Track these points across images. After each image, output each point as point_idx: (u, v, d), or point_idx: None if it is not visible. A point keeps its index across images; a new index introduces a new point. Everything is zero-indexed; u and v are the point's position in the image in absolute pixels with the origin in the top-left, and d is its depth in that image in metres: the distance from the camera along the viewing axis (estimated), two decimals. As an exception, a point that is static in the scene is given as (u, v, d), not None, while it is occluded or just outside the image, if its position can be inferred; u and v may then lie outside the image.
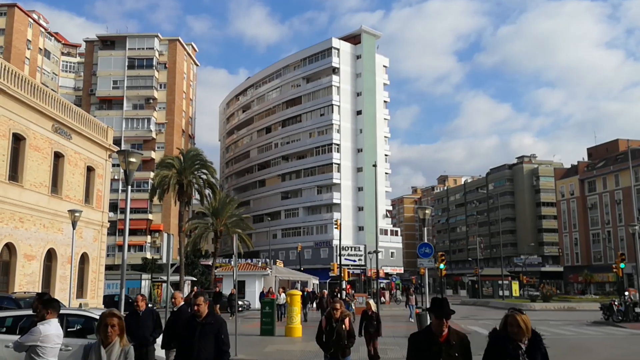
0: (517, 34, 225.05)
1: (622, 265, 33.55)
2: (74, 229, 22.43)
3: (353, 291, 62.97)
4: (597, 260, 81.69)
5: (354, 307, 29.63)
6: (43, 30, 76.99)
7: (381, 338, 14.45)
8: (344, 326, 8.77)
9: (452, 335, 4.93)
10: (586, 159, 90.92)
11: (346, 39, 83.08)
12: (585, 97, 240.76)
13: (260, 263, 53.81)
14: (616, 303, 29.90)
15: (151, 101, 76.34)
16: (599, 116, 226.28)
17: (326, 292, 35.80)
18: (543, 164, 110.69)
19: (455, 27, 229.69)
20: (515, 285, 65.05)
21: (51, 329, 6.50)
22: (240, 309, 36.60)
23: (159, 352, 9.74)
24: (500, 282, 61.49)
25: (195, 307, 6.49)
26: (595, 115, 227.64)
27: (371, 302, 13.94)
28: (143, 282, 44.01)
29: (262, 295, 35.16)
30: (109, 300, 32.06)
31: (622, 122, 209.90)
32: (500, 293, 58.79)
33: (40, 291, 23.77)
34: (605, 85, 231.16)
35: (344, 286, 44.60)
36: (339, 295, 38.09)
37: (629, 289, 39.05)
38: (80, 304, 26.61)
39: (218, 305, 30.83)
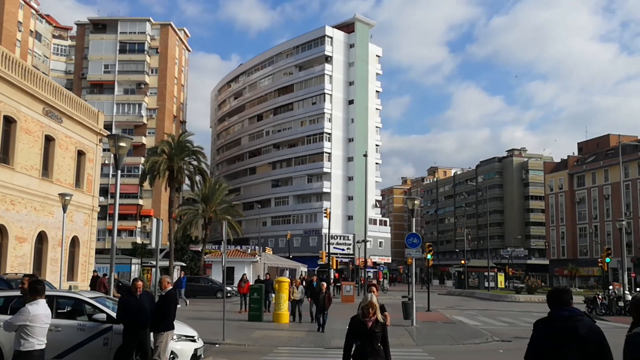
0: (510, 25, 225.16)
1: (607, 259, 33.91)
2: (64, 212, 22.57)
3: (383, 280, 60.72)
4: (583, 254, 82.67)
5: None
6: (34, 12, 76.04)
7: None
8: None
9: None
10: (576, 154, 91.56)
11: (339, 27, 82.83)
12: (577, 91, 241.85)
13: (249, 250, 54.07)
14: (600, 296, 30.28)
15: (142, 86, 75.98)
16: (591, 110, 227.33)
17: (324, 283, 20.55)
18: (533, 157, 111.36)
19: (448, 17, 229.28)
20: (501, 277, 65.90)
21: (40, 309, 6.67)
22: (228, 294, 36.84)
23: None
24: (486, 273, 62.26)
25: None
26: (587, 110, 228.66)
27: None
28: (133, 267, 44.07)
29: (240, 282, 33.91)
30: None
31: (614, 117, 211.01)
32: (486, 284, 59.54)
33: (31, 272, 23.88)
34: (598, 79, 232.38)
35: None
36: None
37: (613, 283, 39.64)
38: (70, 287, 26.76)
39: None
